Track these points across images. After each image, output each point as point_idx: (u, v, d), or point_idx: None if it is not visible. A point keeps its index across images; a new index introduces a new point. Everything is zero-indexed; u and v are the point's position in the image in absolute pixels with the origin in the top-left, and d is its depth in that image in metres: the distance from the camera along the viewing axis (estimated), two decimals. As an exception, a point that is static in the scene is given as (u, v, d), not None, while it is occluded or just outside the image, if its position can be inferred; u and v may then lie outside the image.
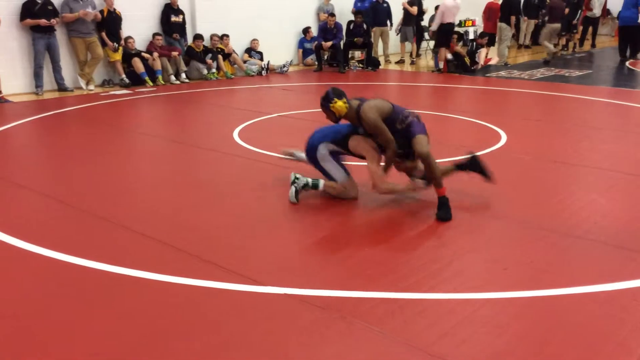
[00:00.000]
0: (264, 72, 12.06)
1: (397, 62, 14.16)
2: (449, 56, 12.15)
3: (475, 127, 7.15)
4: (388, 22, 13.76)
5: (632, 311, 2.93)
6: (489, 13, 13.45)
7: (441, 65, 12.33)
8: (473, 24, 15.23)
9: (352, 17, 13.05)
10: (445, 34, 12.01)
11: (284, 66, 12.36)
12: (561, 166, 5.47)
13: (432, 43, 13.80)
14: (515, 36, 16.52)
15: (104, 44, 10.24)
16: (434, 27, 12.23)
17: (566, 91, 9.74)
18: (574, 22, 15.59)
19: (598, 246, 3.70)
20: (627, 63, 13.42)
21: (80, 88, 10.05)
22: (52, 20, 9.39)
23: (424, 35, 14.70)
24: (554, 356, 2.57)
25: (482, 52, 12.57)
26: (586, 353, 2.58)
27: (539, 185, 4.98)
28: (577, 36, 16.67)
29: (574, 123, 7.46)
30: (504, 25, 13.05)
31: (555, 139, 6.56)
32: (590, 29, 16.87)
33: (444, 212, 4.16)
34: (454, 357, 2.54)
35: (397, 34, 14.16)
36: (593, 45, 17.10)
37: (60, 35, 9.80)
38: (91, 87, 10.13)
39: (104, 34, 10.21)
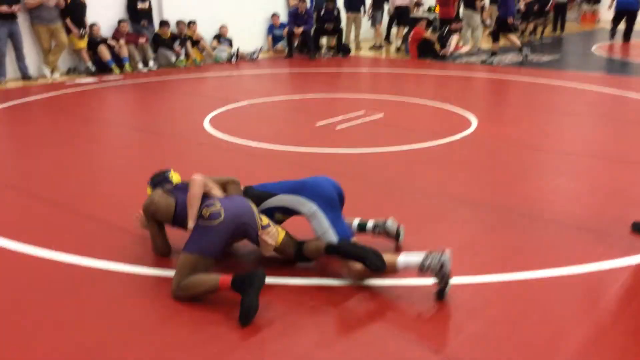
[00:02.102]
0: (233, 59, 11.93)
1: (371, 48, 14.16)
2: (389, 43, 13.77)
3: (446, 114, 7.19)
4: (361, 8, 13.76)
5: (601, 293, 2.98)
6: None
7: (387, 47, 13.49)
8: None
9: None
10: (398, 16, 13.79)
11: (254, 53, 12.25)
12: (530, 151, 5.53)
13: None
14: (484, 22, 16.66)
15: (68, 31, 10.00)
16: (391, 10, 14.04)
17: (535, 76, 9.85)
18: (547, 8, 15.89)
19: (567, 230, 3.76)
20: (592, 49, 13.64)
21: (45, 77, 9.82)
22: (14, 6, 9.14)
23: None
24: (526, 339, 2.60)
25: (455, 38, 12.60)
26: (558, 335, 2.62)
27: (509, 171, 5.03)
28: (547, 22, 16.87)
29: (543, 109, 7.56)
30: (469, 12, 13.08)
31: (525, 124, 6.63)
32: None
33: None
34: (429, 340, 2.56)
35: (369, 19, 14.21)
36: (561, 30, 17.31)
37: (22, 23, 9.55)
38: (56, 75, 9.90)
39: (68, 21, 9.97)
